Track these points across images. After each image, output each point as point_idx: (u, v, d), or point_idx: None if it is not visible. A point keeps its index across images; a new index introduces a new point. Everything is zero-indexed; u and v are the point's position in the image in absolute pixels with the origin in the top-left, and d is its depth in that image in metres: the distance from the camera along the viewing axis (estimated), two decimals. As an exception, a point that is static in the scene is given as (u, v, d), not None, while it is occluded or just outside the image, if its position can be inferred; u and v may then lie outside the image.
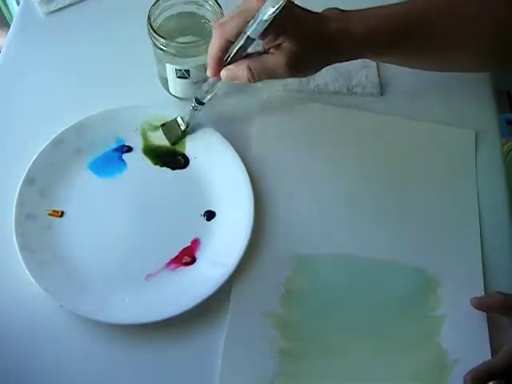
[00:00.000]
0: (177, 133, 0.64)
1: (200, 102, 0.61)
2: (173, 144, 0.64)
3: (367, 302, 0.58)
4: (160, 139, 0.64)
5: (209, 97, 0.60)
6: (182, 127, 0.63)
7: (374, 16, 0.57)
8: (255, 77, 0.54)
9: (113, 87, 0.68)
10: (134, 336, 0.55)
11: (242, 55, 0.54)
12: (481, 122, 0.68)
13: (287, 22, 0.52)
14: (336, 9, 0.56)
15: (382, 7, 0.58)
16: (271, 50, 0.54)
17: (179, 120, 0.64)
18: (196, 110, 0.61)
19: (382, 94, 0.70)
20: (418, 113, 0.68)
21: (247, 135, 0.66)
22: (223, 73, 0.55)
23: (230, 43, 0.54)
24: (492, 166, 0.66)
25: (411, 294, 0.58)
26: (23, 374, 0.54)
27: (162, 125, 0.64)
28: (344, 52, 0.57)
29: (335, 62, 0.60)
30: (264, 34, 0.52)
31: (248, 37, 0.52)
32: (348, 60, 0.59)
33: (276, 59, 0.53)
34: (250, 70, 0.53)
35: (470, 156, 0.66)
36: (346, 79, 0.69)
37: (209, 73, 0.56)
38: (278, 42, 0.53)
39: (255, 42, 0.54)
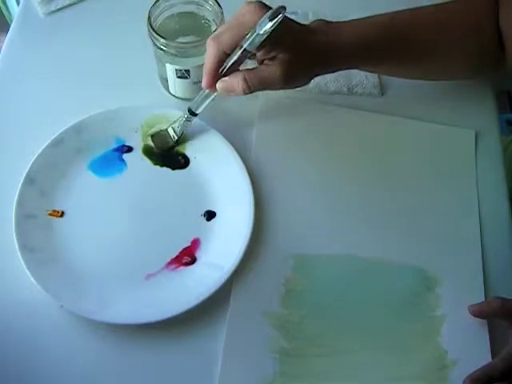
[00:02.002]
0: (168, 144, 0.63)
1: (193, 113, 0.60)
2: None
3: (367, 301, 0.58)
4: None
5: (202, 108, 0.60)
6: (174, 138, 0.63)
7: (360, 27, 0.57)
8: (250, 88, 0.54)
9: (113, 87, 0.68)
10: (134, 336, 0.55)
11: (237, 68, 0.54)
12: (481, 122, 0.68)
13: (282, 34, 0.52)
14: (322, 20, 0.57)
15: (368, 18, 0.59)
16: (265, 61, 0.54)
17: (170, 131, 0.63)
18: (189, 120, 0.61)
19: (382, 94, 0.70)
20: (418, 113, 0.68)
21: (247, 135, 0.66)
22: (219, 85, 0.55)
23: (226, 55, 0.54)
24: (492, 165, 0.66)
25: (411, 294, 0.58)
26: (23, 374, 0.54)
27: (152, 135, 0.63)
28: (333, 63, 0.58)
29: (326, 73, 0.61)
30: (260, 47, 0.52)
31: (244, 49, 0.52)
32: (338, 70, 0.60)
33: (271, 70, 0.53)
34: (246, 80, 0.53)
35: (470, 156, 0.66)
36: (346, 79, 0.69)
37: (204, 85, 0.56)
38: (272, 53, 0.53)
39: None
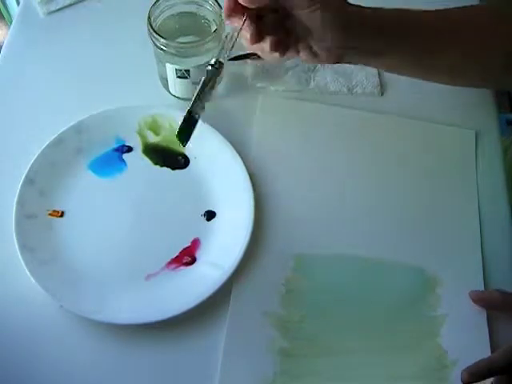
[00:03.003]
0: (189, 131, 0.56)
1: (220, 63, 0.53)
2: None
3: (367, 301, 0.58)
4: (155, 137, 0.64)
5: (228, 53, 0.54)
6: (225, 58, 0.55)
7: (372, 18, 0.56)
8: None
9: (113, 87, 0.68)
10: (134, 336, 0.55)
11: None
12: (481, 122, 0.68)
13: None
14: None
15: (379, 9, 0.57)
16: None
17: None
18: (217, 75, 0.54)
19: (382, 94, 0.70)
20: (418, 113, 0.68)
21: (247, 135, 0.66)
22: None
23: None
24: (492, 166, 0.66)
25: (411, 294, 0.58)
26: (23, 374, 0.54)
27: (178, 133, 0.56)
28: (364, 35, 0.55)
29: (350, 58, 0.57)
30: None
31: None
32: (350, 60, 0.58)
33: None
34: None
35: (470, 156, 0.66)
36: (346, 79, 0.69)
37: (224, 13, 0.52)
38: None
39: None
